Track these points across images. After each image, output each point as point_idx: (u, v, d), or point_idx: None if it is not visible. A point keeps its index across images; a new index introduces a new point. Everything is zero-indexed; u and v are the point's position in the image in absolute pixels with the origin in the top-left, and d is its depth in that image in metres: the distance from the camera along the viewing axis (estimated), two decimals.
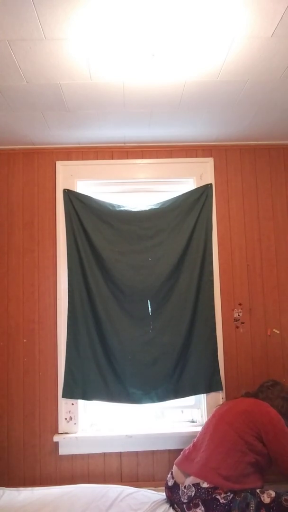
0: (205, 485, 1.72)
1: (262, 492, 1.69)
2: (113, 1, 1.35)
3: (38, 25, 1.46)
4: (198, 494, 1.72)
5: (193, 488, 1.75)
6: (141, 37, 1.54)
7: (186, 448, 2.00)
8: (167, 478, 1.96)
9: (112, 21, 1.45)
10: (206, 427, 1.99)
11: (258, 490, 1.71)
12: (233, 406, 1.96)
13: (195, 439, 2.00)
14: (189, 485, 1.78)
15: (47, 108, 2.08)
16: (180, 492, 1.81)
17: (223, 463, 1.76)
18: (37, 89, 1.89)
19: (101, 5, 1.36)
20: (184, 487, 1.79)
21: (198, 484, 1.75)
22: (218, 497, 1.68)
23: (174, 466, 1.96)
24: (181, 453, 2.00)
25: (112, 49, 1.61)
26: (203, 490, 1.72)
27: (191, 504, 1.72)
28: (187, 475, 1.83)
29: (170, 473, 1.97)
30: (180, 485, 1.83)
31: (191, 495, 1.74)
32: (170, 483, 1.91)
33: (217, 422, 1.93)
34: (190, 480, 1.79)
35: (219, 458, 1.78)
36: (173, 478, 1.91)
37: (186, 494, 1.76)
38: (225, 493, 1.68)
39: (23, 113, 2.12)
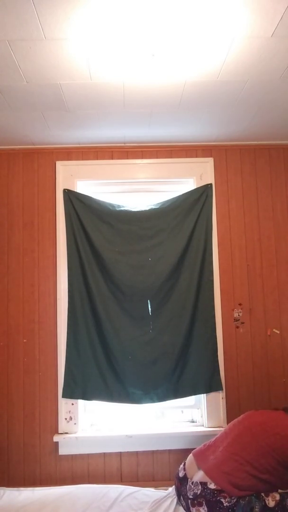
0: (212, 486, 1.72)
1: (267, 495, 1.67)
2: (113, 1, 1.35)
3: (38, 25, 1.46)
4: (203, 494, 1.73)
5: (200, 487, 1.76)
6: (141, 37, 1.54)
7: (207, 442, 1.98)
8: (179, 469, 1.96)
9: (112, 21, 1.45)
10: (232, 428, 1.91)
11: (263, 493, 1.68)
12: (267, 421, 1.82)
13: (218, 435, 1.96)
14: (196, 482, 1.78)
15: (47, 108, 2.08)
16: (187, 486, 1.82)
17: (236, 471, 1.72)
18: (37, 89, 1.89)
19: (101, 5, 1.36)
20: (192, 482, 1.80)
21: (205, 483, 1.75)
22: (222, 500, 1.67)
23: (190, 455, 1.96)
24: (202, 445, 1.98)
25: (112, 49, 1.61)
26: (209, 491, 1.72)
27: (195, 502, 1.74)
28: (199, 468, 1.84)
29: (182, 463, 1.97)
30: (189, 479, 1.84)
31: (197, 492, 1.75)
32: (181, 474, 1.91)
33: (244, 431, 1.83)
34: (199, 476, 1.80)
35: (233, 466, 1.74)
36: (184, 469, 1.91)
37: (193, 490, 1.77)
38: (230, 497, 1.68)
39: (23, 113, 2.12)
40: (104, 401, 2.40)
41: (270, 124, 2.36)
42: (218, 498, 1.68)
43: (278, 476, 1.72)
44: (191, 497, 1.76)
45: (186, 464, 1.94)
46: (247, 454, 1.74)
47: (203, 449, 1.93)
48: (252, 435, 1.79)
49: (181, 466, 1.96)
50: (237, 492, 1.68)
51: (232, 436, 1.85)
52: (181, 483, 1.88)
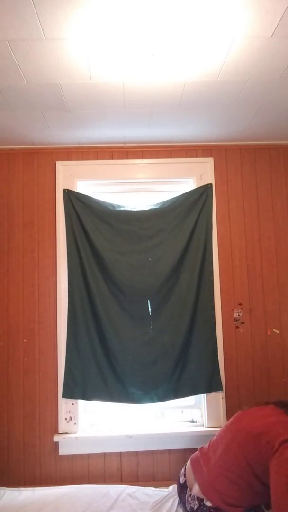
0: (208, 503, 1.65)
1: (268, 507, 1.58)
2: (113, 1, 1.35)
3: (38, 25, 1.46)
4: (199, 510, 1.67)
5: (197, 502, 1.69)
6: (141, 37, 1.54)
7: (204, 445, 1.90)
8: (180, 473, 1.91)
9: (112, 21, 1.45)
10: (223, 434, 1.77)
11: (263, 506, 1.62)
12: (252, 422, 1.65)
13: (213, 438, 1.85)
14: (194, 496, 1.72)
15: (47, 108, 2.08)
16: (186, 497, 1.76)
17: (229, 490, 1.61)
18: (37, 89, 1.89)
19: (101, 5, 1.36)
20: (190, 495, 1.74)
21: (202, 500, 1.67)
22: None
23: (188, 461, 1.88)
24: (199, 449, 1.90)
25: (112, 49, 1.61)
26: (205, 508, 1.65)
27: None
28: (195, 480, 1.75)
29: (183, 468, 1.91)
30: (188, 488, 1.78)
31: (194, 507, 1.69)
32: (181, 480, 1.85)
33: (232, 439, 1.68)
34: (196, 490, 1.72)
35: (225, 483, 1.62)
36: (184, 476, 1.85)
37: (190, 504, 1.71)
38: None
39: (23, 113, 2.12)
40: (104, 401, 2.40)
41: (270, 124, 2.36)
42: None
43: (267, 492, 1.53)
44: (188, 510, 1.72)
45: (186, 470, 1.87)
46: (237, 468, 1.60)
47: (199, 456, 1.84)
48: (238, 444, 1.63)
49: (182, 471, 1.91)
50: (234, 510, 1.60)
51: (223, 446, 1.72)
52: (182, 490, 1.84)
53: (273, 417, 1.61)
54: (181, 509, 1.84)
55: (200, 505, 1.67)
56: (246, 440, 1.60)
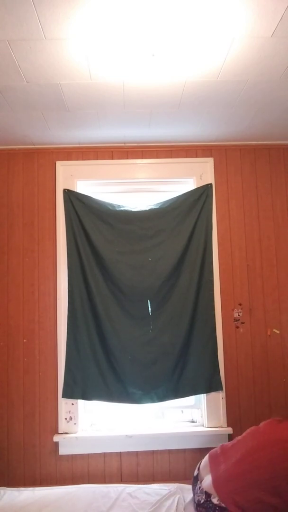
0: (215, 500, 1.64)
1: None
2: (113, 1, 1.35)
3: (38, 25, 1.46)
4: (205, 505, 1.67)
5: (204, 496, 1.69)
6: (141, 37, 1.54)
7: (226, 443, 1.88)
8: (196, 467, 1.93)
9: (112, 21, 1.45)
10: (250, 438, 1.74)
11: None
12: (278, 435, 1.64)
13: (237, 439, 1.82)
14: (202, 489, 1.72)
15: (47, 108, 2.08)
16: (196, 488, 1.79)
17: (242, 492, 1.60)
18: (37, 89, 1.89)
19: (101, 5, 1.36)
20: (199, 488, 1.75)
21: (210, 495, 1.67)
22: None
23: (206, 456, 1.87)
24: (220, 446, 1.88)
25: (112, 49, 1.61)
26: (211, 504, 1.65)
27: (198, 509, 1.72)
28: (209, 472, 1.75)
29: (200, 462, 1.92)
30: (199, 481, 1.79)
31: (200, 501, 1.70)
32: (195, 473, 1.88)
33: (261, 447, 1.65)
34: (206, 483, 1.72)
35: (240, 485, 1.61)
36: (198, 469, 1.86)
37: (198, 496, 1.73)
38: None
39: (23, 113, 2.12)
40: (104, 401, 2.40)
41: (270, 124, 2.36)
42: None
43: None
44: (195, 502, 1.74)
45: (201, 464, 1.87)
46: (259, 474, 1.59)
47: (219, 453, 1.81)
48: (269, 455, 1.60)
49: (198, 465, 1.92)
50: None
51: (248, 448, 1.69)
52: (194, 482, 1.86)
53: None
54: (181, 508, 1.85)
55: (207, 500, 1.68)
56: (280, 457, 1.57)
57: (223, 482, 1.67)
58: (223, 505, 1.62)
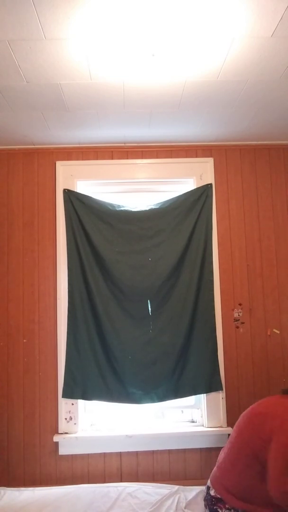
0: (212, 492, 1.73)
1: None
2: (113, 1, 1.35)
3: (38, 25, 1.46)
4: (206, 498, 1.76)
5: (205, 490, 1.80)
6: (141, 37, 1.54)
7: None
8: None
9: (112, 21, 1.45)
10: (235, 428, 1.81)
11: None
12: (256, 406, 1.74)
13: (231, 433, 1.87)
14: (207, 485, 1.82)
15: (47, 108, 2.08)
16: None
17: (237, 485, 1.65)
18: (37, 89, 1.89)
19: (101, 5, 1.36)
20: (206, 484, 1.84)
21: (209, 487, 1.77)
22: (219, 510, 1.67)
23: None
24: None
25: (112, 49, 1.61)
26: (209, 497, 1.74)
27: (204, 503, 1.80)
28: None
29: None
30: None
31: (204, 495, 1.80)
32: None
33: (238, 431, 1.74)
34: (209, 480, 1.82)
35: (232, 480, 1.67)
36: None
37: (204, 492, 1.83)
38: (227, 509, 1.65)
39: (23, 113, 2.12)
40: (104, 401, 2.40)
41: (270, 124, 2.36)
42: (215, 508, 1.69)
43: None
44: (204, 497, 1.82)
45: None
46: (242, 458, 1.64)
47: (221, 450, 1.87)
48: (240, 432, 1.69)
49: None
50: (237, 503, 1.61)
51: (231, 440, 1.77)
52: None
53: (272, 400, 1.72)
54: (181, 508, 1.87)
55: (207, 492, 1.77)
56: (245, 425, 1.69)
57: (219, 479, 1.75)
58: (218, 496, 1.70)
